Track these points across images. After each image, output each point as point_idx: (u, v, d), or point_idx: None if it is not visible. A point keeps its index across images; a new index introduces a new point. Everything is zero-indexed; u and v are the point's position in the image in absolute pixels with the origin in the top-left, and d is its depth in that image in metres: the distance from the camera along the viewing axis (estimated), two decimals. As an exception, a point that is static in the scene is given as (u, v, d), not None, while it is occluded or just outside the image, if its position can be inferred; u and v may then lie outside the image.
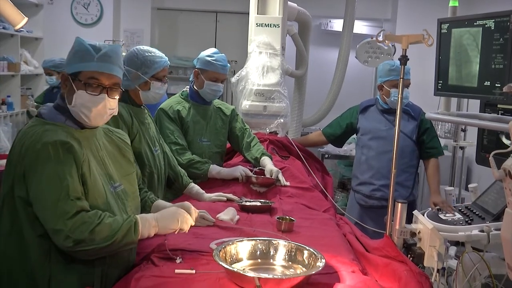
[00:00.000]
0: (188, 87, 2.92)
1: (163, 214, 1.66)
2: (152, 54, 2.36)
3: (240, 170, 2.69)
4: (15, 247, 1.54)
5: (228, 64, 2.88)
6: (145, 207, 1.98)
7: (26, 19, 2.96)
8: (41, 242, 1.52)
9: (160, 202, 2.04)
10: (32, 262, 1.53)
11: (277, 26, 3.32)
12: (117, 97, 1.67)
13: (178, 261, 1.65)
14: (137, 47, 2.39)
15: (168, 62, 2.42)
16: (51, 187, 1.46)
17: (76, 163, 1.51)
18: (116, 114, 1.71)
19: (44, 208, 1.47)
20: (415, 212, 2.03)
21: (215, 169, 2.73)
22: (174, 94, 2.98)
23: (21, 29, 3.29)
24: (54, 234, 1.46)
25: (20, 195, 1.51)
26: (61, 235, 1.44)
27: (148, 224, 1.59)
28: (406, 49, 2.00)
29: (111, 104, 1.65)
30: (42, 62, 4.54)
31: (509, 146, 1.43)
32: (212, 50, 2.86)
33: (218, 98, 3.01)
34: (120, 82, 1.68)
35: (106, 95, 1.62)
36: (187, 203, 1.84)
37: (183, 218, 1.67)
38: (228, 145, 3.08)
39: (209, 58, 2.80)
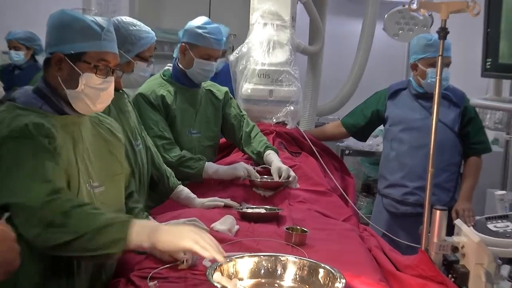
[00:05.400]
0: (171, 65, 2.90)
1: (171, 226, 1.63)
2: (137, 28, 2.37)
3: (242, 168, 2.69)
4: None
5: (224, 38, 2.87)
6: None
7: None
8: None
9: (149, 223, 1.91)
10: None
11: (286, -10, 3.32)
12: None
13: (151, 286, 1.62)
14: (118, 18, 2.38)
15: (155, 38, 2.42)
16: (25, 174, 1.49)
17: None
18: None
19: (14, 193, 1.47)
20: (458, 221, 2.03)
21: (211, 168, 2.72)
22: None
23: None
24: (23, 218, 1.44)
25: None
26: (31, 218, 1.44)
27: (149, 229, 1.50)
28: (446, 20, 1.99)
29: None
30: (8, 34, 4.55)
31: None
32: (203, 19, 2.84)
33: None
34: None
35: (112, 77, 1.75)
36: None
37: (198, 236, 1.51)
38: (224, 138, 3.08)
39: (200, 30, 2.78)
